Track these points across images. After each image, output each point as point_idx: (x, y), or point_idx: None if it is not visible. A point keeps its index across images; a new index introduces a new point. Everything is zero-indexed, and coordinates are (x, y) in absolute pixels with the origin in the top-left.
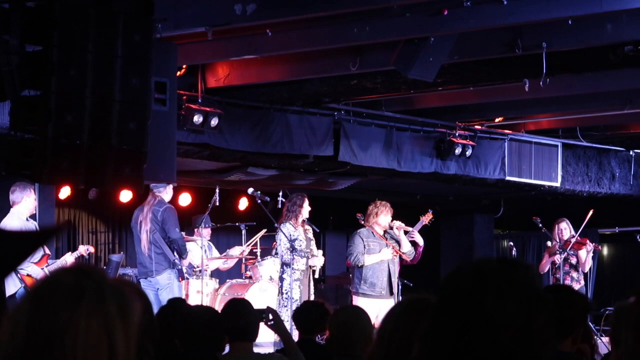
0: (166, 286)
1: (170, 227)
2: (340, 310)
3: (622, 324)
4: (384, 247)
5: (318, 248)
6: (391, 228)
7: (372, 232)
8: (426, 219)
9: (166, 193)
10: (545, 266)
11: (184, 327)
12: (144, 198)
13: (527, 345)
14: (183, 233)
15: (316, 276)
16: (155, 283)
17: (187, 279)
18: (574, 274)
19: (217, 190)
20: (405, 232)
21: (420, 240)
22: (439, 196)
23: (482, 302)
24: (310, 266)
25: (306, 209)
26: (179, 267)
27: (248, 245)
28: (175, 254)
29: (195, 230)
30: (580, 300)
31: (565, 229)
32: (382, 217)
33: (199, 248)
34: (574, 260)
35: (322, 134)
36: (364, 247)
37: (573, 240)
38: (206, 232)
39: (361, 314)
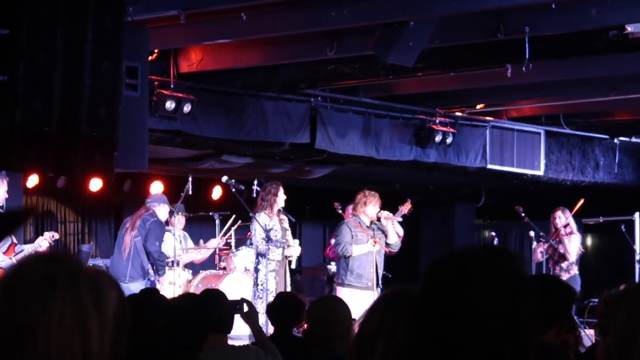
0: None
1: (151, 239)
2: (318, 302)
3: (611, 313)
4: (371, 236)
5: (294, 238)
6: (379, 219)
7: (360, 222)
8: (405, 208)
9: (160, 209)
10: (536, 256)
11: (164, 319)
12: (115, 187)
13: (514, 334)
14: (166, 253)
15: (292, 267)
16: (126, 290)
17: None
18: (564, 264)
19: (190, 179)
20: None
21: (399, 230)
22: (418, 185)
23: (467, 290)
24: (286, 256)
25: (281, 198)
26: (151, 278)
27: (223, 237)
28: (151, 267)
29: (169, 219)
30: (566, 291)
31: (558, 218)
32: (370, 207)
33: (173, 238)
34: (562, 249)
35: (298, 121)
36: (352, 237)
37: (563, 229)
38: (180, 220)
39: (340, 305)
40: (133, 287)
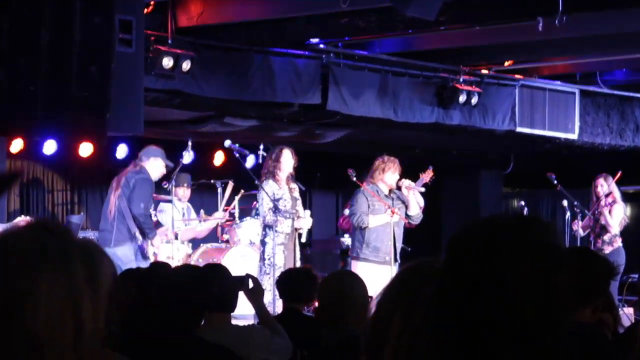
0: (128, 263)
1: (135, 199)
2: (330, 277)
3: None
4: (389, 206)
5: (304, 209)
6: (399, 188)
7: (377, 191)
8: (427, 176)
9: (150, 164)
10: (577, 227)
11: (158, 293)
12: (107, 152)
13: (544, 311)
14: (153, 212)
15: (303, 240)
16: (113, 256)
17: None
18: (606, 236)
19: (190, 143)
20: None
21: (420, 201)
22: (440, 150)
23: (494, 263)
24: (296, 229)
25: (286, 164)
26: (139, 242)
27: (227, 208)
28: (138, 230)
29: (174, 189)
30: (603, 265)
31: (600, 186)
32: (389, 174)
33: (173, 208)
34: (603, 221)
35: (308, 80)
36: (368, 207)
37: (604, 199)
38: (185, 192)
39: (355, 281)
40: (119, 251)
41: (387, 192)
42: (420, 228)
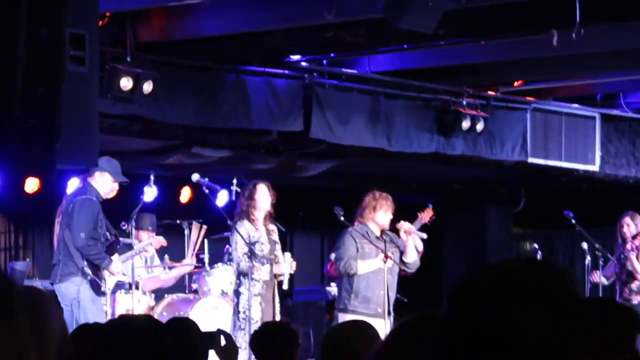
0: (73, 301)
1: (74, 229)
2: (337, 329)
3: None
4: (381, 250)
5: (284, 252)
6: (394, 230)
7: (367, 232)
8: (426, 216)
9: (94, 179)
10: (594, 277)
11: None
12: (57, 188)
13: None
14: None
15: (284, 287)
16: (59, 295)
17: (106, 294)
18: (633, 285)
19: (152, 178)
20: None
21: (419, 245)
22: (441, 184)
23: (503, 315)
24: (275, 275)
25: (262, 201)
26: (90, 277)
27: (196, 253)
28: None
29: (136, 232)
30: (628, 317)
31: (627, 225)
32: (381, 213)
33: (137, 256)
34: (629, 266)
35: (288, 103)
36: (357, 251)
37: (631, 242)
38: (148, 237)
39: (367, 334)
40: (63, 287)
41: (378, 234)
42: (418, 275)
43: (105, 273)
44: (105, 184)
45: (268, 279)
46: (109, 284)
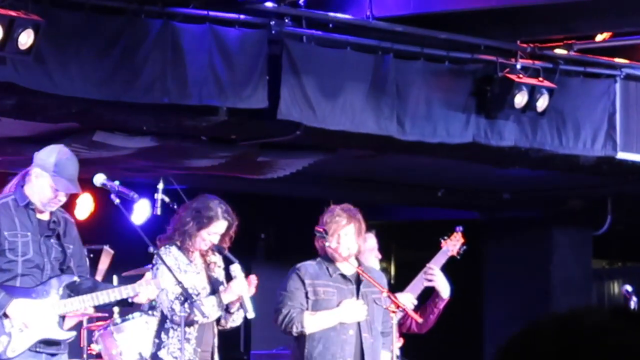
0: None
1: None
2: None
3: None
4: (350, 295)
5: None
6: (380, 265)
7: (328, 268)
8: (454, 244)
9: (28, 181)
10: None
11: None
12: None
13: None
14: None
15: (249, 315)
16: None
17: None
18: None
19: None
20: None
21: (444, 289)
22: (482, 193)
23: None
24: (227, 307)
25: (212, 238)
26: None
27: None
28: None
29: None
30: None
31: None
32: (347, 240)
33: None
34: None
35: (245, 65)
36: (306, 297)
37: None
38: None
39: None
40: None
41: (348, 270)
42: (446, 327)
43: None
44: (39, 190)
45: (208, 340)
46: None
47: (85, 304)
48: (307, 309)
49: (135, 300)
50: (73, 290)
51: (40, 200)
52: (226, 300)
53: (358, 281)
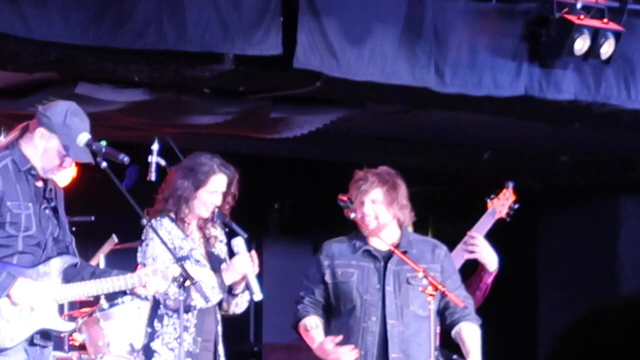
0: None
1: None
2: None
3: None
4: (374, 276)
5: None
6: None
7: (355, 245)
8: (502, 205)
9: (27, 140)
10: None
11: None
12: None
13: None
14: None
15: (256, 297)
16: None
17: None
18: None
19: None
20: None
21: (491, 260)
22: (534, 156)
23: None
24: (231, 289)
25: (213, 199)
26: None
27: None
28: None
29: None
30: None
31: None
32: (372, 206)
33: None
34: None
35: (255, 5)
36: (324, 283)
37: None
38: None
39: None
40: None
41: (382, 245)
42: (493, 310)
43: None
44: (46, 154)
45: (209, 328)
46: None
47: (88, 292)
48: (325, 297)
49: (141, 292)
50: (70, 274)
51: (42, 167)
52: (228, 281)
53: (389, 256)
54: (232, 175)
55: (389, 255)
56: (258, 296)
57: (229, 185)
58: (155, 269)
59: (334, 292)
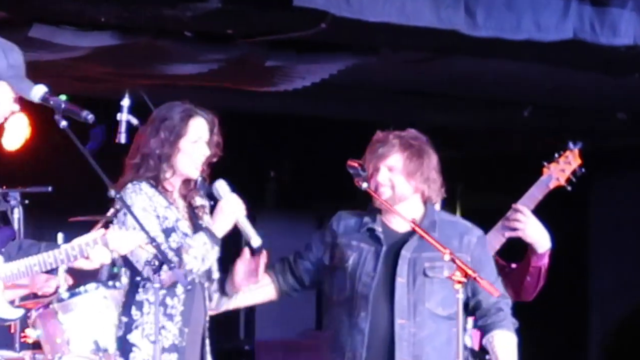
0: None
1: None
2: None
3: None
4: (371, 260)
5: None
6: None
7: (370, 219)
8: (561, 170)
9: None
10: None
11: None
12: None
13: None
14: None
15: (254, 244)
16: None
17: None
18: None
19: None
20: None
21: (540, 238)
22: (585, 112)
23: None
24: (223, 293)
25: (196, 151)
26: None
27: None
28: None
29: None
30: None
31: None
32: (388, 174)
33: None
34: None
35: None
36: (322, 261)
37: None
38: None
39: None
40: None
41: (395, 224)
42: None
43: None
44: None
45: (198, 316)
46: None
47: (32, 269)
48: (312, 278)
49: (85, 265)
50: (9, 250)
51: None
52: (220, 231)
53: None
54: (210, 118)
55: (403, 239)
56: (256, 241)
57: (211, 132)
58: (95, 237)
59: (328, 278)
